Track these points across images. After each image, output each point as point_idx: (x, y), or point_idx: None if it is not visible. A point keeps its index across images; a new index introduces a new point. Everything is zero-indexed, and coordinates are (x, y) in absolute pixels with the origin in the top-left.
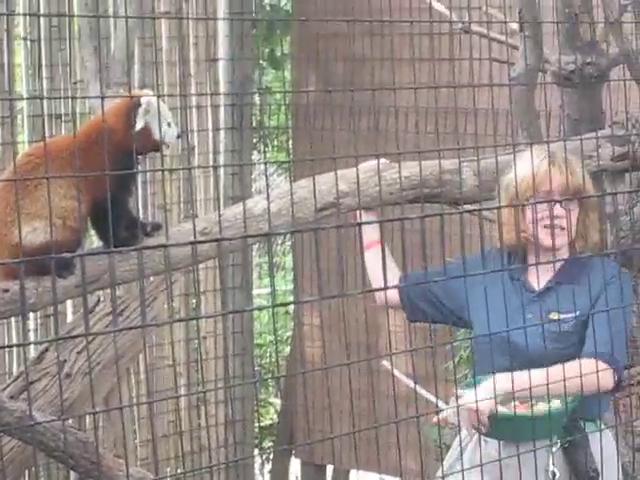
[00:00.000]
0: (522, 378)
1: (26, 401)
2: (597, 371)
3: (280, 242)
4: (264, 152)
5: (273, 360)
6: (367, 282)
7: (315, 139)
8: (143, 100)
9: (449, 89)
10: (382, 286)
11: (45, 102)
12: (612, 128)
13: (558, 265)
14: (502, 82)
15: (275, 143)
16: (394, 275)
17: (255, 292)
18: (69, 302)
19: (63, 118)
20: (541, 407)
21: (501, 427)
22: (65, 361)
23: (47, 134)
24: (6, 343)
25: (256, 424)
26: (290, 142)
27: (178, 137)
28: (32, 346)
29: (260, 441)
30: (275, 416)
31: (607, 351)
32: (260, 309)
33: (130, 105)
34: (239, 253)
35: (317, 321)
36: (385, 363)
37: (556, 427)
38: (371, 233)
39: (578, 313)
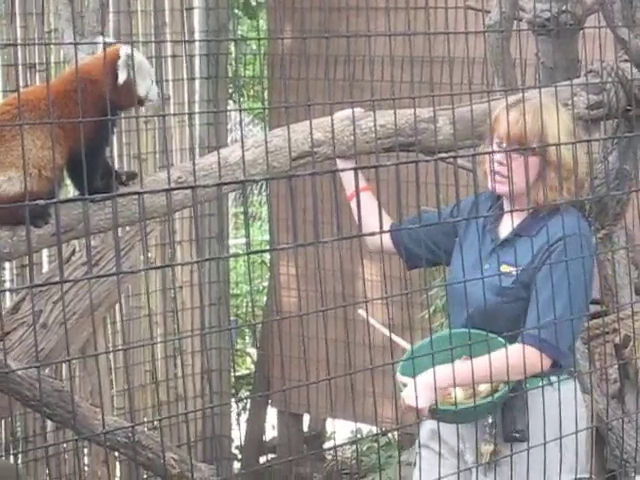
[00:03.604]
0: (461, 369)
1: (1, 351)
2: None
3: (256, 193)
4: (239, 102)
5: (249, 310)
6: (342, 231)
7: (291, 89)
8: (121, 51)
9: (424, 38)
10: (374, 231)
11: (20, 51)
12: (587, 76)
13: (522, 216)
14: (478, 30)
15: (251, 93)
16: (386, 221)
17: (231, 242)
18: (45, 253)
19: (37, 67)
20: (482, 389)
21: (442, 416)
22: (41, 311)
23: (21, 83)
24: None
25: (233, 374)
26: (266, 92)
27: (158, 95)
28: (8, 297)
29: (237, 391)
30: (252, 366)
31: (544, 337)
32: (235, 256)
33: (113, 57)
34: (214, 203)
35: (293, 271)
36: (361, 312)
37: (495, 408)
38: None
39: (520, 270)
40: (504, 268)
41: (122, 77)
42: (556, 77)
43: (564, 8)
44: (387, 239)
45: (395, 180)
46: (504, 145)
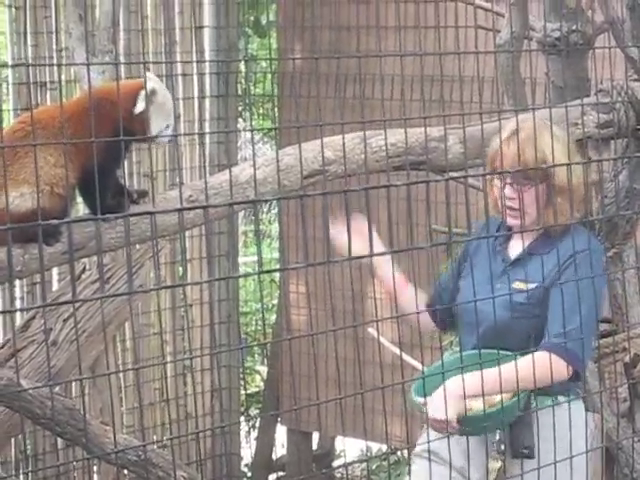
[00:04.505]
0: (486, 377)
1: (12, 369)
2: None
3: (266, 210)
4: (250, 120)
5: (259, 328)
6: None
7: (301, 107)
8: (148, 84)
9: (435, 57)
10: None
11: (30, 69)
12: (597, 96)
13: (534, 235)
14: (488, 50)
15: (260, 111)
16: (421, 300)
17: (241, 260)
18: (55, 270)
19: (48, 86)
20: (497, 400)
21: (470, 427)
22: (51, 329)
23: (32, 102)
24: None
25: (242, 391)
26: (276, 110)
27: (169, 141)
28: (18, 315)
29: (246, 408)
30: (261, 384)
31: (562, 344)
32: (246, 276)
33: (138, 86)
34: (224, 221)
35: (303, 289)
36: (371, 330)
37: (516, 412)
38: (395, 273)
39: (535, 286)
40: (517, 285)
41: (139, 108)
42: (566, 96)
43: (574, 27)
44: (428, 318)
45: (406, 199)
46: (509, 180)
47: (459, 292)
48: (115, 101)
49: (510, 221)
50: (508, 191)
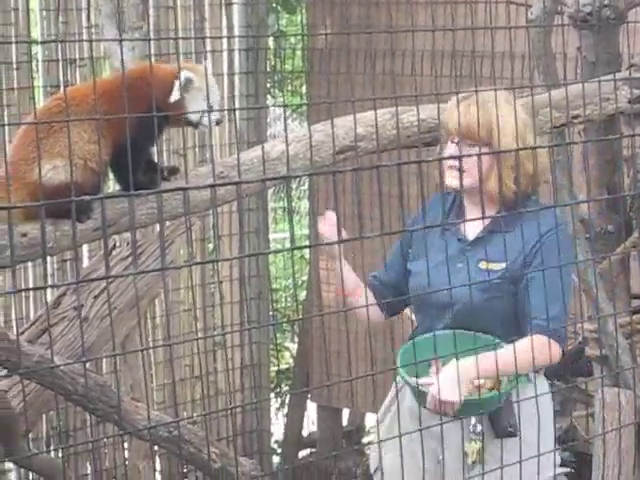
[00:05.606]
0: (486, 363)
1: (43, 345)
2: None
3: (295, 186)
4: (283, 96)
5: (288, 304)
6: (385, 226)
7: (331, 83)
8: (182, 75)
9: (466, 32)
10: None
11: (60, 46)
12: (629, 70)
13: (493, 212)
14: (519, 25)
15: (289, 88)
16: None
17: (270, 237)
18: (85, 247)
19: (78, 63)
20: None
21: (467, 410)
22: (82, 305)
23: (61, 79)
24: (23, 288)
25: (273, 368)
26: (304, 86)
27: (218, 123)
28: (49, 292)
29: (276, 385)
30: (290, 360)
31: (556, 327)
32: (278, 252)
33: (172, 75)
34: (254, 198)
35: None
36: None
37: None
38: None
39: (507, 264)
40: (484, 265)
41: (173, 97)
42: (598, 71)
43: (606, 2)
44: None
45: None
46: (456, 140)
47: (411, 275)
48: (150, 82)
49: (451, 182)
50: (452, 150)
